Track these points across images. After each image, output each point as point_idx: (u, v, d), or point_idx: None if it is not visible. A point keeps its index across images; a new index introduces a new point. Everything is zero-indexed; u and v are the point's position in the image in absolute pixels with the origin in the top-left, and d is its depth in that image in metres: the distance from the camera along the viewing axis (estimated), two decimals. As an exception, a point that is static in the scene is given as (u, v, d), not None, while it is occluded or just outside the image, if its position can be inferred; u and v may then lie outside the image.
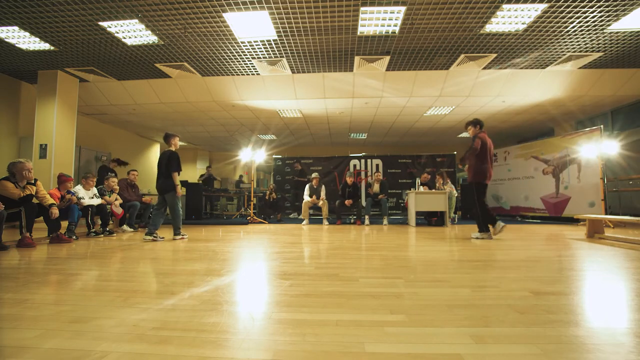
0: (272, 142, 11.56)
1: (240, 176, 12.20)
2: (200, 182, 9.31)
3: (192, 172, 13.05)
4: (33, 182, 3.77)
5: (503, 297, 1.58)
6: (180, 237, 4.23)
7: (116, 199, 5.22)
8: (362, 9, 4.16)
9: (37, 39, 4.89)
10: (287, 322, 1.28)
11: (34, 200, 3.76)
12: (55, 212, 3.72)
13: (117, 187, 5.32)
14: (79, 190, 4.61)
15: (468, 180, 4.19)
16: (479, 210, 4.03)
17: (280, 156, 9.97)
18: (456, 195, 7.12)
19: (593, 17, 4.35)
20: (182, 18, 4.37)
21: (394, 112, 8.19)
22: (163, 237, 4.19)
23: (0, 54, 5.35)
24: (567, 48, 5.26)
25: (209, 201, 9.59)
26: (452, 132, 10.39)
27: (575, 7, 4.13)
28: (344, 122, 9.14)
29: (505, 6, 4.11)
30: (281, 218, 8.20)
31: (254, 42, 5.04)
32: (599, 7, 4.12)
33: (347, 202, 6.76)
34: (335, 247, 3.40)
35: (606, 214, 6.14)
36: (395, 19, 4.41)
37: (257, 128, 9.64)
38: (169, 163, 4.16)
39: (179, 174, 4.23)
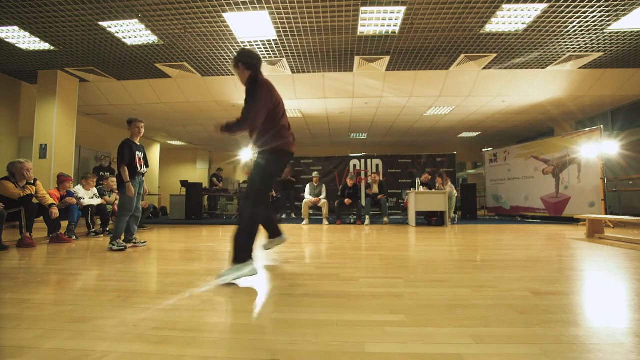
0: (272, 142, 11.53)
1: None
2: (213, 182, 9.71)
3: (192, 172, 13.06)
4: (33, 182, 3.77)
5: (503, 297, 1.58)
6: (109, 246, 3.21)
7: (116, 199, 5.21)
8: (362, 9, 4.16)
9: (37, 39, 4.89)
10: (287, 322, 1.28)
11: (34, 200, 3.76)
12: (55, 212, 3.72)
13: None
14: (79, 190, 4.61)
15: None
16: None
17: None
18: (456, 195, 7.12)
19: (593, 17, 4.35)
20: (182, 18, 4.37)
21: (394, 112, 8.19)
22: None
23: (0, 54, 5.34)
24: (567, 48, 5.26)
25: (214, 201, 9.64)
26: (452, 132, 10.40)
27: (575, 7, 4.13)
28: (344, 122, 9.14)
29: (505, 6, 4.11)
30: (281, 218, 8.20)
31: (254, 42, 5.04)
32: (599, 7, 4.12)
33: (346, 200, 6.76)
34: (336, 247, 3.40)
35: (606, 214, 6.14)
36: (395, 19, 4.41)
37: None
38: (118, 155, 3.33)
39: (127, 167, 3.30)
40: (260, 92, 2.20)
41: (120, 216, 3.31)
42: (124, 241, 3.37)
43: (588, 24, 4.53)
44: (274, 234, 2.54)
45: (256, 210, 2.03)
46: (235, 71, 2.38)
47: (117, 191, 5.26)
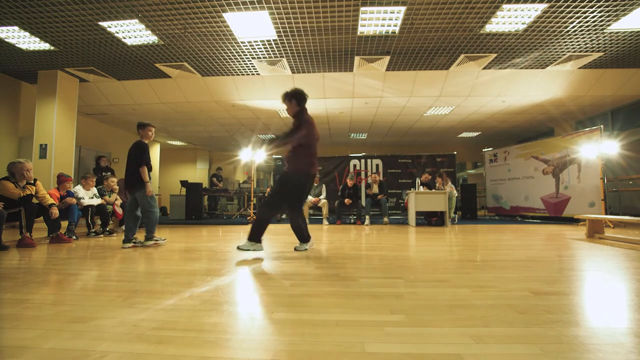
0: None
1: (249, 177, 12.27)
2: (212, 182, 9.93)
3: (192, 172, 13.06)
4: (33, 182, 3.77)
5: (503, 297, 1.58)
6: (154, 242, 3.56)
7: (116, 199, 5.21)
8: (362, 9, 4.16)
9: (37, 39, 4.89)
10: (287, 322, 1.28)
11: (34, 200, 3.76)
12: (55, 212, 3.72)
13: (117, 187, 5.32)
14: (79, 190, 4.61)
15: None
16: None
17: (280, 156, 9.96)
18: (456, 195, 7.12)
19: (593, 17, 4.35)
20: (182, 18, 4.37)
21: (394, 112, 8.19)
22: (163, 238, 3.78)
23: (0, 54, 5.34)
24: (567, 48, 5.26)
25: (213, 201, 9.66)
26: (452, 132, 10.39)
27: (575, 7, 4.13)
28: (344, 122, 9.14)
29: (505, 6, 4.11)
30: (281, 218, 8.20)
31: (254, 42, 5.04)
32: (599, 7, 4.12)
33: (346, 200, 6.77)
34: (336, 247, 3.40)
35: (606, 214, 6.14)
36: (395, 19, 4.41)
37: (257, 128, 9.64)
38: (135, 154, 3.54)
39: (148, 169, 3.55)
40: (305, 127, 2.90)
41: (151, 212, 3.57)
42: (124, 241, 3.44)
43: (588, 24, 4.53)
44: (304, 239, 3.16)
45: (270, 212, 2.98)
46: (286, 103, 2.99)
47: (116, 191, 5.27)
